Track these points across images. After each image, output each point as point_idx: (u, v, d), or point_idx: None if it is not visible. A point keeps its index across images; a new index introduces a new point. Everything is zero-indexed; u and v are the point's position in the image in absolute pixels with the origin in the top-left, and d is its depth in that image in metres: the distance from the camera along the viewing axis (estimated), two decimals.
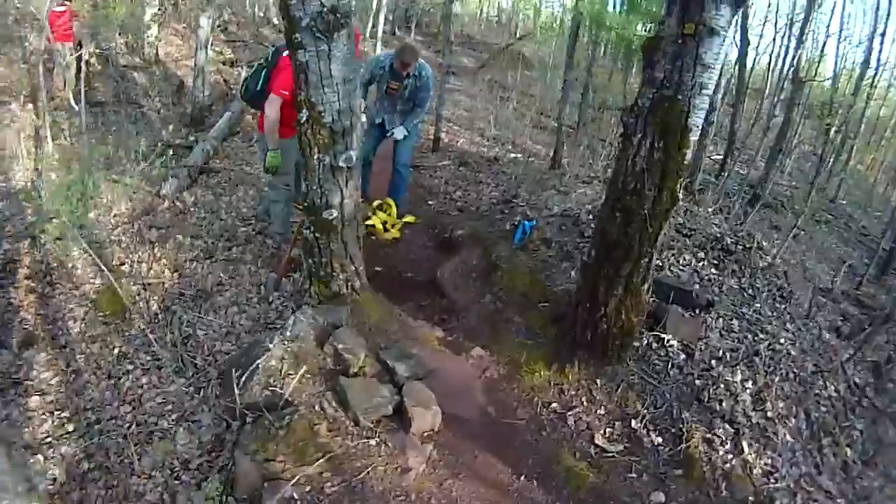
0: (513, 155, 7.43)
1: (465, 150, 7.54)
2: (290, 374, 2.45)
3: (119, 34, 8.16)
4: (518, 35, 16.90)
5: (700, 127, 2.56)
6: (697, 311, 3.39)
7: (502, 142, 8.14)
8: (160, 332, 3.61)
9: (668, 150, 2.49)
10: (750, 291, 3.80)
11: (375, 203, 4.80)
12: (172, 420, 2.84)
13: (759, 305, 3.62)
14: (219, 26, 8.85)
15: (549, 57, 12.03)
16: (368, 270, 3.68)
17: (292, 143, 3.31)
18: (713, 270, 3.88)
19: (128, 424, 2.86)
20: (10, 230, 4.21)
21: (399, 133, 4.70)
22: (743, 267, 3.95)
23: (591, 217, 4.24)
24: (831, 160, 11.54)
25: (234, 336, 3.43)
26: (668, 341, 3.10)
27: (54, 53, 6.73)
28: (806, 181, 11.88)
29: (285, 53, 3.23)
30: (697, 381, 2.93)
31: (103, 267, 3.77)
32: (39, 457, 2.60)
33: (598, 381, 2.83)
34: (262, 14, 12.53)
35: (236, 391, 2.39)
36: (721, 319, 3.41)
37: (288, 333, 2.58)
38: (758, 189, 9.36)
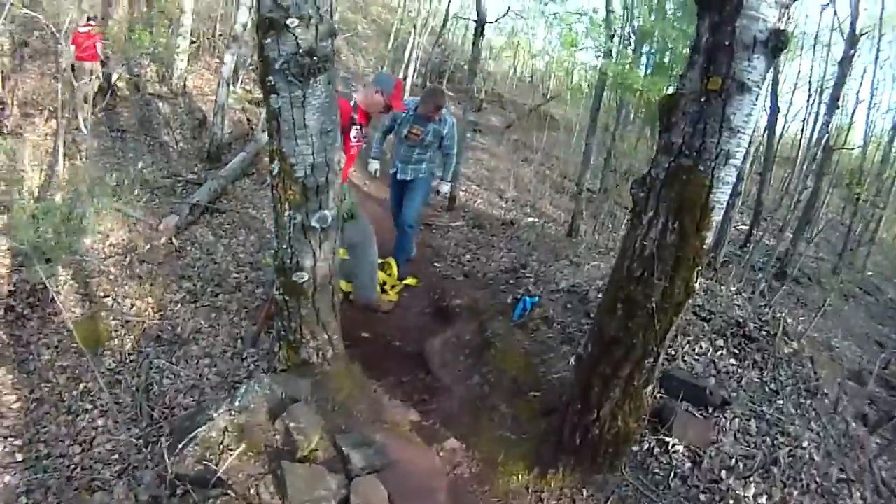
0: (530, 219, 7.20)
1: (481, 210, 7.35)
2: (231, 449, 2.18)
3: (150, 62, 8.36)
4: (548, 96, 16.95)
5: (724, 204, 2.10)
6: (711, 411, 3.00)
7: (521, 204, 7.95)
8: (128, 374, 3.46)
9: (685, 232, 2.06)
10: (772, 386, 3.40)
11: None
12: (115, 471, 2.73)
13: (781, 402, 3.22)
14: (250, 65, 8.99)
15: (576, 118, 11.99)
16: (355, 335, 3.47)
17: None
18: (732, 361, 3.49)
19: (74, 466, 2.79)
20: (4, 244, 4.22)
21: (444, 188, 4.89)
22: (766, 356, 3.55)
23: (599, 295, 3.89)
24: (859, 230, 11.09)
25: (199, 391, 3.24)
26: (672, 446, 2.70)
27: (78, 72, 6.87)
28: (833, 252, 11.42)
29: None
30: (702, 496, 2.53)
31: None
32: None
33: (585, 491, 2.45)
34: None
35: (167, 459, 2.17)
36: (737, 420, 3.01)
37: (237, 403, 2.31)
38: (785, 264, 8.94)
